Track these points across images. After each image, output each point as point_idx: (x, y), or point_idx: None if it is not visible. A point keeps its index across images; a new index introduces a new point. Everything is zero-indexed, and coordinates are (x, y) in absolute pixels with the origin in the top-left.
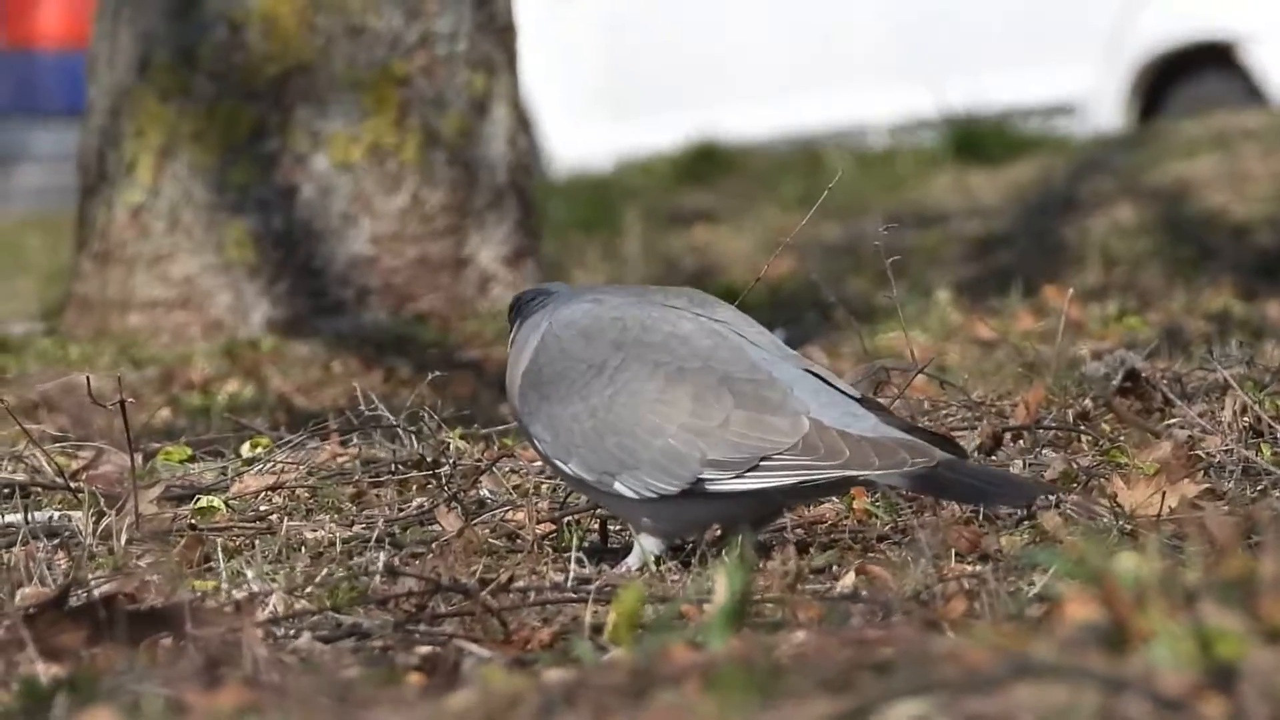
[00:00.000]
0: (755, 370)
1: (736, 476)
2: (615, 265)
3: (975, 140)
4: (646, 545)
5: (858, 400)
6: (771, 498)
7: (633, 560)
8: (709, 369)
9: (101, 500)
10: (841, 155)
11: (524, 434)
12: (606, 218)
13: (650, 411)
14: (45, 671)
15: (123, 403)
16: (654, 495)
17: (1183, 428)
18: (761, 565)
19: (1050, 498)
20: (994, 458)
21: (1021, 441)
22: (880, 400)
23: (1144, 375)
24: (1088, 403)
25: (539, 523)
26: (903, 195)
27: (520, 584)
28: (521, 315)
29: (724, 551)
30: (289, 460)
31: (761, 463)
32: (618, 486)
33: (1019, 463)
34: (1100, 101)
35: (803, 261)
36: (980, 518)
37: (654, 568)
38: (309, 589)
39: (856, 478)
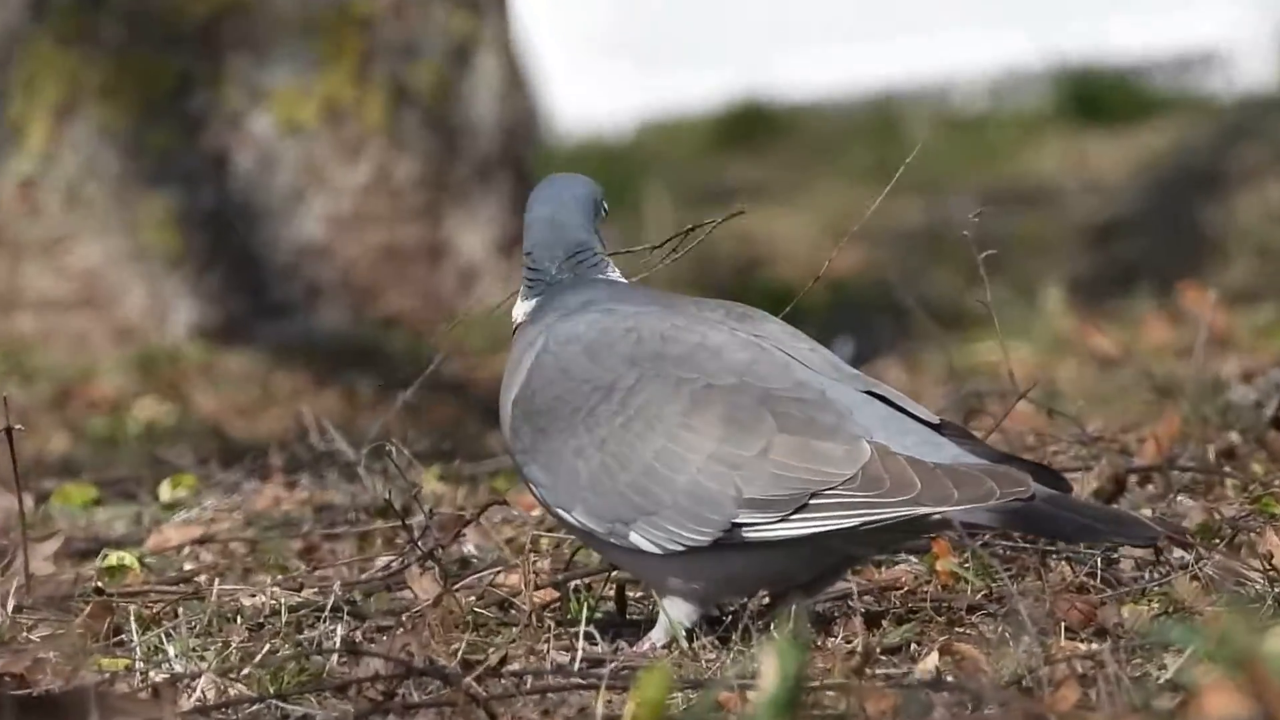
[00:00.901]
0: (803, 388)
1: (781, 519)
2: (634, 255)
3: (1093, 98)
4: (674, 615)
5: (936, 428)
6: (828, 548)
7: (657, 635)
8: (745, 386)
9: None
10: (923, 117)
11: (519, 476)
12: (625, 193)
13: (672, 440)
14: None
15: (9, 429)
16: (680, 548)
17: None
18: (820, 642)
19: (1182, 538)
20: (1115, 506)
21: (1151, 486)
22: (970, 430)
23: None
24: (1234, 437)
25: (538, 588)
26: (1001, 167)
27: (514, 667)
28: (545, 297)
29: (772, 624)
30: (221, 506)
31: (812, 500)
32: (634, 538)
33: (1147, 512)
34: (1249, 51)
35: (874, 252)
36: (1097, 579)
37: (684, 644)
38: (246, 670)
39: (932, 516)
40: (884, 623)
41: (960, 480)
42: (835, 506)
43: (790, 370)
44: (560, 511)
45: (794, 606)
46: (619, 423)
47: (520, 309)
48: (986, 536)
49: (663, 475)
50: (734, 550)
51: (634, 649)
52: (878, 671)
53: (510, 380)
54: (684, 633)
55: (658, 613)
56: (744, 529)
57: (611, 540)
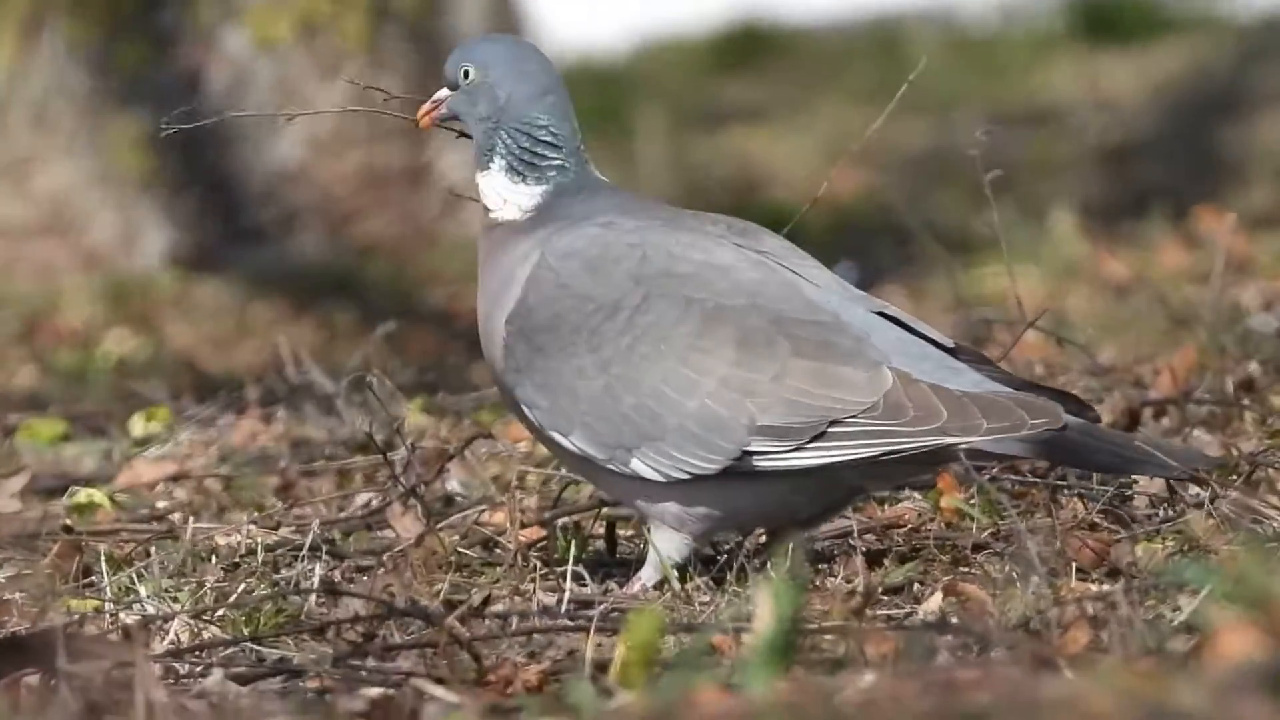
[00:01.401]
0: (816, 310)
1: (796, 448)
2: (628, 176)
3: (1106, 18)
4: (665, 551)
5: (951, 352)
6: (839, 480)
7: (648, 574)
8: (757, 308)
9: None
10: (930, 38)
11: (507, 400)
12: (618, 115)
13: (681, 363)
14: None
15: None
16: (684, 476)
17: None
18: (819, 582)
19: (1205, 470)
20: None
21: (1166, 419)
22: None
23: None
24: (1253, 368)
25: (524, 527)
26: (1010, 89)
27: (499, 608)
28: (552, 196)
29: (769, 563)
30: (194, 440)
31: (830, 429)
32: (636, 465)
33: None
34: None
35: (879, 175)
36: (1109, 517)
37: (676, 585)
38: (221, 611)
39: (958, 446)
40: (886, 562)
41: (988, 409)
42: (854, 436)
43: (800, 290)
44: (555, 435)
45: (791, 545)
46: (625, 343)
47: (509, 196)
48: (994, 471)
49: (671, 399)
50: (741, 480)
51: (624, 590)
52: (879, 613)
53: (501, 294)
54: (675, 571)
55: (648, 551)
56: (755, 457)
57: (610, 467)
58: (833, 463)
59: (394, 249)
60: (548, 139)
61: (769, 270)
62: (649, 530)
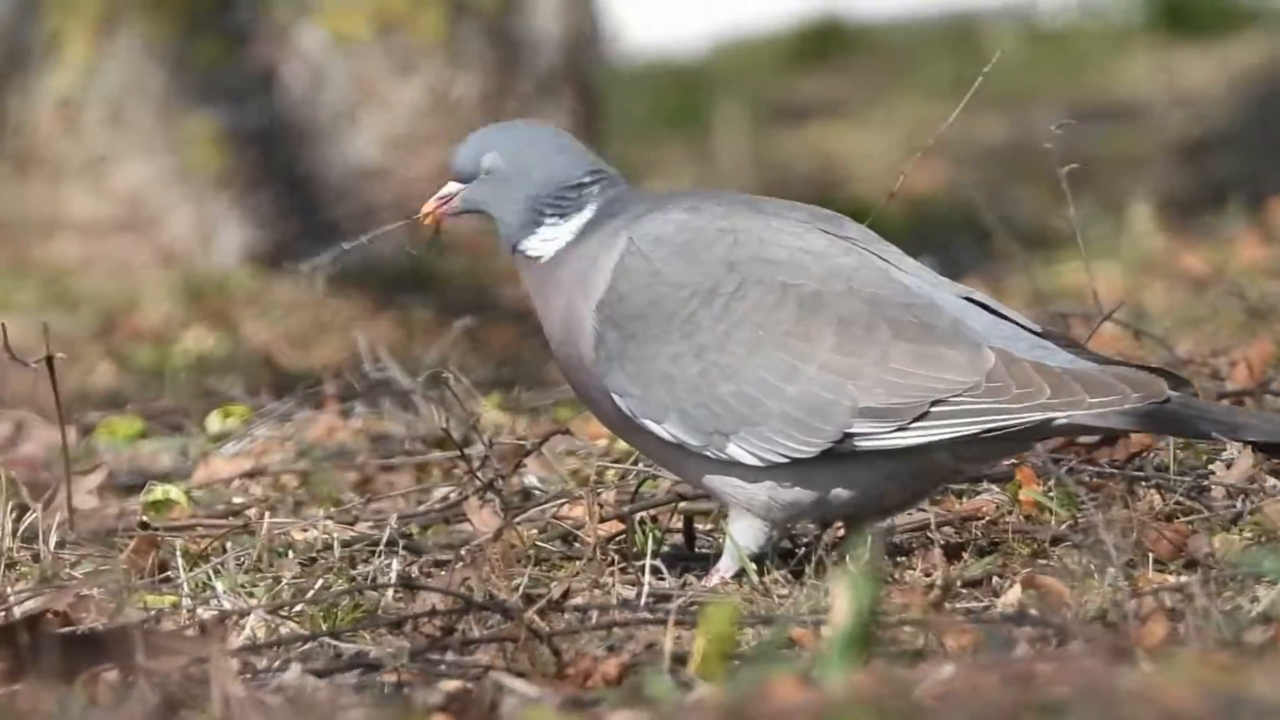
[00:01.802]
0: (911, 294)
1: (898, 429)
2: (706, 172)
3: (1183, 11)
4: (744, 542)
5: (1039, 335)
6: (935, 461)
7: (726, 565)
8: (854, 292)
9: (23, 490)
10: (1006, 31)
11: (590, 392)
12: (697, 112)
13: (780, 348)
14: None
15: (50, 359)
16: (783, 460)
17: None
18: (897, 575)
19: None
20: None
21: None
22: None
23: None
24: None
25: (603, 521)
26: (1088, 82)
27: (578, 601)
28: (559, 210)
29: (847, 556)
30: (271, 436)
31: (932, 409)
32: (732, 450)
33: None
34: None
35: (955, 169)
36: (1186, 508)
37: (754, 577)
38: (298, 607)
39: (1061, 421)
40: (964, 554)
41: (1090, 383)
42: (957, 414)
43: (893, 275)
44: (649, 423)
45: (870, 537)
46: (721, 329)
47: (553, 236)
48: (1072, 463)
49: (771, 385)
50: (838, 463)
51: (703, 582)
52: (957, 605)
53: (583, 281)
54: (753, 563)
55: (726, 543)
56: (857, 439)
57: (707, 453)
58: (933, 441)
59: (471, 245)
60: (576, 183)
61: (861, 255)
62: (728, 522)
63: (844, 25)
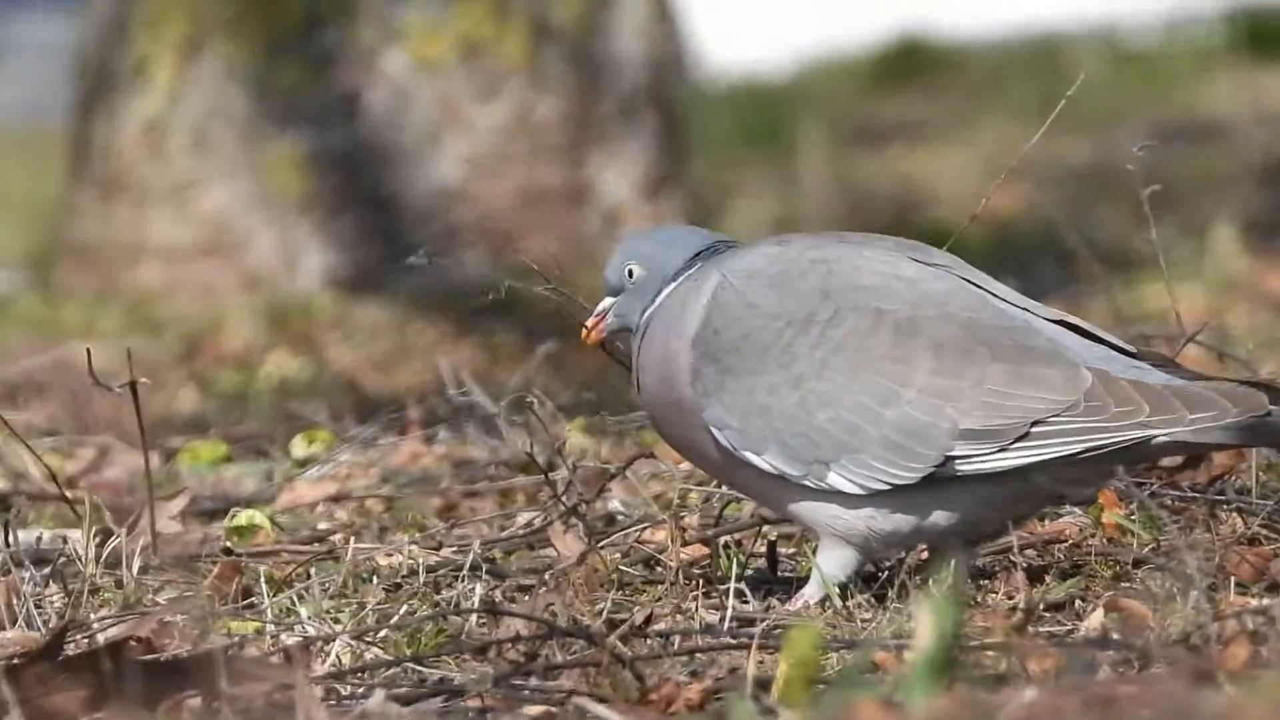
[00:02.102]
0: (1006, 316)
1: (999, 450)
2: (791, 194)
3: (1267, 30)
4: (830, 569)
5: (1133, 355)
6: (1032, 485)
7: (811, 591)
8: (949, 316)
9: (107, 515)
10: (1091, 53)
11: (681, 434)
12: (779, 132)
13: (878, 373)
14: None
15: (134, 384)
16: (884, 487)
17: None
18: (980, 598)
19: None
20: None
21: None
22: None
23: None
24: None
25: (686, 545)
26: (1171, 104)
27: (661, 626)
28: (654, 273)
29: (930, 580)
30: (355, 461)
31: (1032, 430)
32: (833, 479)
33: None
34: None
35: (1036, 191)
36: (1270, 531)
37: (838, 601)
38: (383, 632)
39: (1161, 439)
40: (1047, 578)
41: (1190, 399)
42: (1057, 434)
43: (986, 299)
44: (748, 454)
45: (952, 561)
46: (818, 357)
47: (636, 309)
48: (1154, 487)
49: (871, 410)
50: (936, 489)
51: (786, 607)
52: (1039, 629)
53: (680, 322)
54: (837, 590)
55: (812, 568)
56: (958, 462)
57: (807, 483)
58: (1033, 463)
59: (556, 268)
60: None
61: (953, 280)
62: (817, 552)
63: (927, 46)
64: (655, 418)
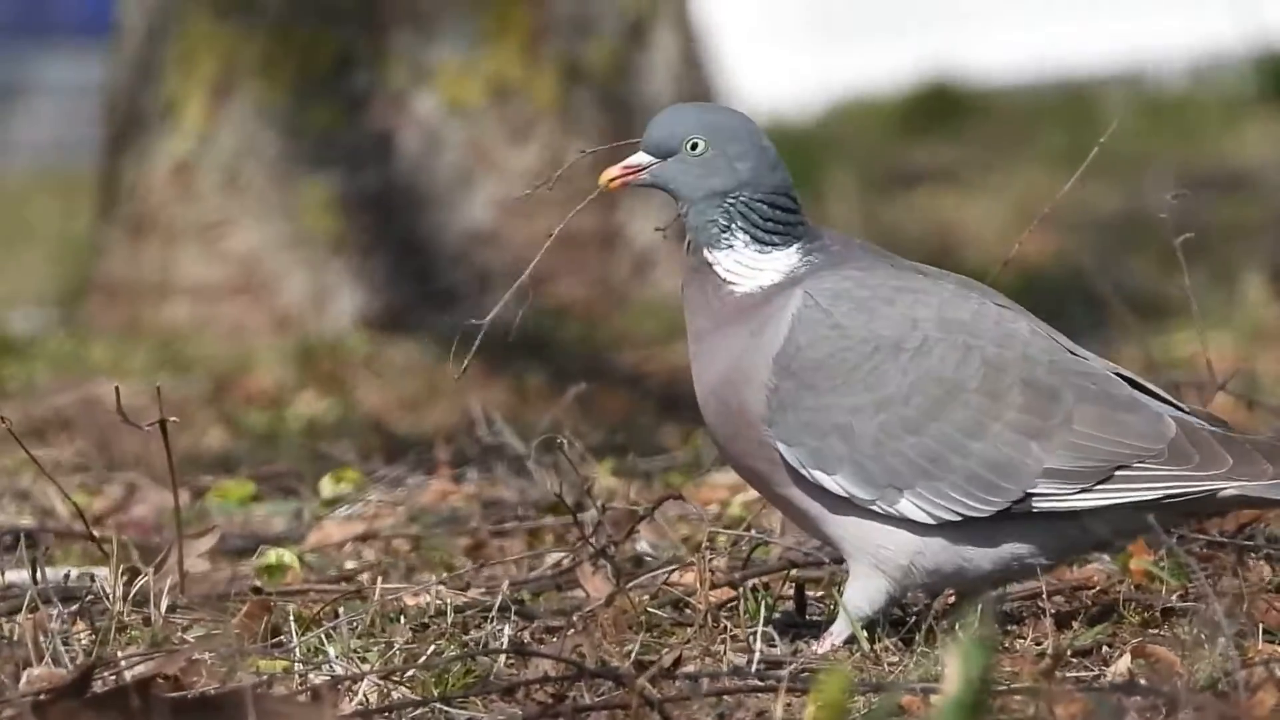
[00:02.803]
0: (1084, 364)
1: (1080, 491)
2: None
3: None
4: (856, 605)
5: (1185, 411)
6: (1090, 532)
7: (838, 629)
8: (1032, 357)
9: (135, 553)
10: (1120, 100)
11: (732, 442)
12: (810, 177)
13: (967, 405)
14: None
15: (163, 422)
16: (956, 518)
17: None
18: (1008, 643)
19: None
20: None
21: None
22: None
23: None
24: None
25: (714, 587)
26: (1201, 151)
27: (689, 668)
28: (762, 229)
29: (958, 624)
30: (384, 501)
31: (1116, 473)
32: (904, 505)
33: None
34: None
35: (1068, 237)
36: None
37: (865, 644)
38: (410, 672)
39: (1230, 492)
40: (1075, 623)
41: (1272, 454)
42: (1139, 480)
43: (1059, 346)
44: (818, 473)
45: (980, 605)
46: (907, 383)
47: (762, 265)
48: (1183, 533)
49: (957, 441)
50: (1009, 523)
51: (814, 648)
52: (1067, 674)
53: (761, 336)
54: (864, 633)
55: (838, 610)
56: (1035, 499)
57: (874, 507)
58: (1105, 506)
59: (585, 311)
60: (789, 205)
61: (1032, 323)
62: (843, 586)
63: (956, 91)
64: (708, 411)
